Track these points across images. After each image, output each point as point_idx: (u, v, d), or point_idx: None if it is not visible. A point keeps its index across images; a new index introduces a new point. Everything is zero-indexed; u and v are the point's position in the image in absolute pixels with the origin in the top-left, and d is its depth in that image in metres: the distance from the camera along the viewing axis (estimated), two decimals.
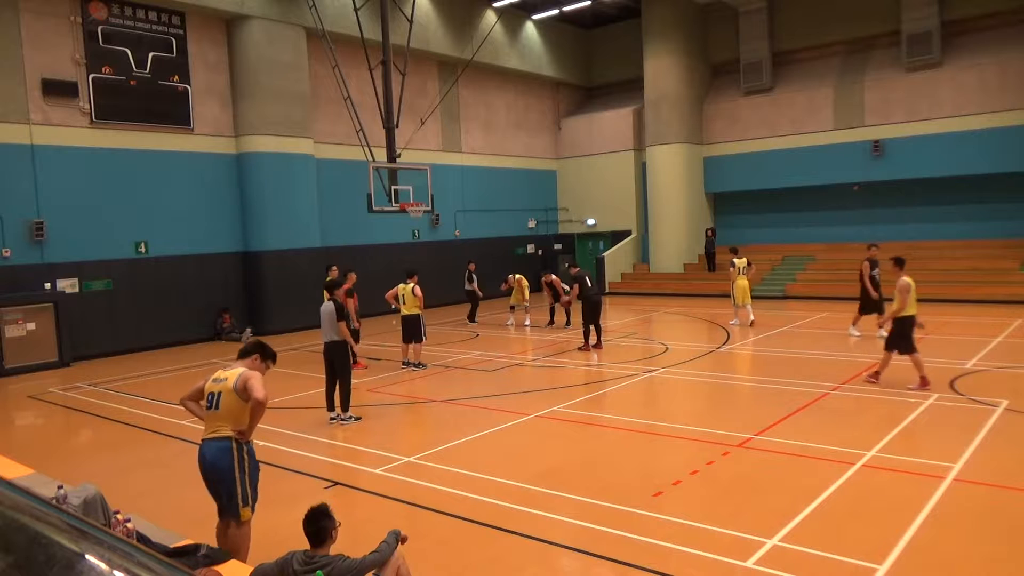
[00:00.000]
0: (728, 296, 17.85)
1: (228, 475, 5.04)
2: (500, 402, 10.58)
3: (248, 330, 18.47)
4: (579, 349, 14.60)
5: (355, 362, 13.79)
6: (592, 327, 14.55)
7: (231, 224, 19.02)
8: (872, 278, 14.25)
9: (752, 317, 16.92)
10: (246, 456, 5.13)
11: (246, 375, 5.08)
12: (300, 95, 19.43)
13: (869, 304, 14.23)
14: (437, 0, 23.06)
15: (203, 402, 5.22)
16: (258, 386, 5.01)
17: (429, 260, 22.74)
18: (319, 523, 4.20)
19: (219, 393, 5.10)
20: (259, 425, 5.42)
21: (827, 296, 21.11)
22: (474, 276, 19.62)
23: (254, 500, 5.20)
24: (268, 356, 5.48)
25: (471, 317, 19.78)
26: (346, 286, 13.08)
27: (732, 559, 5.23)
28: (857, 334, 14.51)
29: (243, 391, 5.02)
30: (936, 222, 22.37)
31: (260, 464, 5.39)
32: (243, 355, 5.40)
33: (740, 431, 8.41)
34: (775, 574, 4.99)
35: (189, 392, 5.42)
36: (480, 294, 19.60)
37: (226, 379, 5.13)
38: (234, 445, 5.06)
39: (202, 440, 5.17)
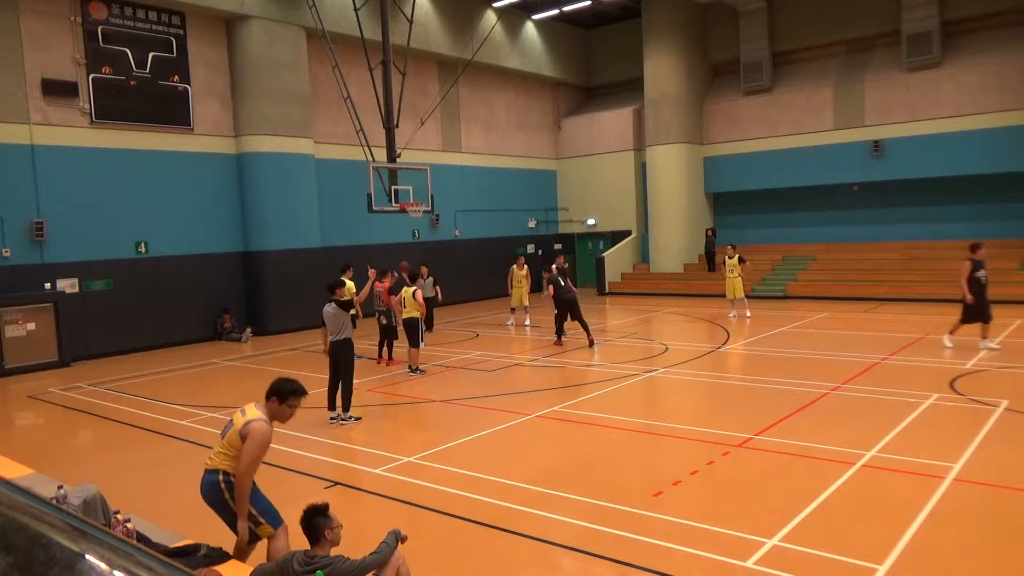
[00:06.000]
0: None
1: (222, 509, 4.87)
2: (500, 402, 10.58)
3: (248, 330, 18.46)
4: (553, 344, 15.27)
5: (390, 358, 13.94)
6: (579, 324, 14.98)
7: (231, 224, 19.01)
8: (977, 280, 12.57)
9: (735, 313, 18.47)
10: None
11: (251, 429, 4.74)
12: (300, 95, 19.42)
13: (972, 312, 12.67)
14: (437, 0, 23.07)
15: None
16: (250, 451, 4.67)
17: (429, 260, 22.70)
18: (311, 520, 4.23)
19: (232, 425, 4.89)
20: None
21: (827, 296, 21.12)
22: (430, 279, 16.72)
23: (265, 516, 4.96)
24: (284, 396, 4.91)
25: (428, 326, 16.45)
26: (387, 283, 13.80)
27: (732, 559, 5.23)
28: (950, 345, 12.95)
29: (243, 439, 4.77)
30: (936, 222, 22.36)
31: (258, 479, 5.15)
32: (268, 394, 4.96)
33: (740, 431, 8.41)
34: (775, 574, 4.99)
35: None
36: (439, 300, 17.24)
37: (244, 416, 4.87)
38: (222, 483, 4.80)
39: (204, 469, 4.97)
